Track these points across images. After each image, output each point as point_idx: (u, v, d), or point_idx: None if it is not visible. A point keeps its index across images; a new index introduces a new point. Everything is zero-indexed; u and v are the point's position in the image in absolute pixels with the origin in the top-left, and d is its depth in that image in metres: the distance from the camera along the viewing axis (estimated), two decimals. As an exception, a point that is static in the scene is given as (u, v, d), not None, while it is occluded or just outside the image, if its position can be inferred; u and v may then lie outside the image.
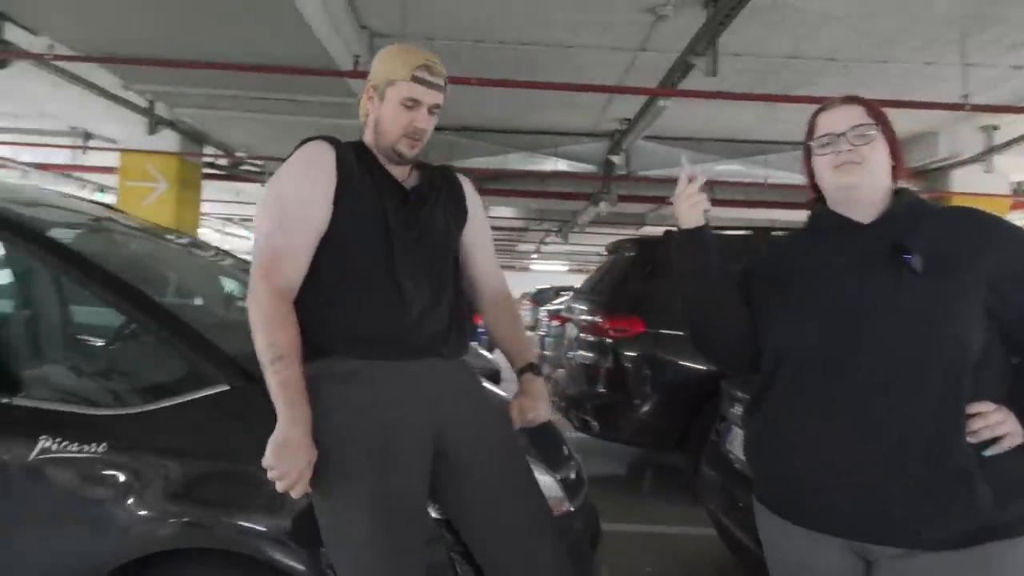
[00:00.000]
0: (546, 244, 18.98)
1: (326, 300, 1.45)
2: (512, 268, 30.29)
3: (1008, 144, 6.60)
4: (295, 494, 1.34)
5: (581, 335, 5.19)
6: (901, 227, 1.25)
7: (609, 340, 4.69)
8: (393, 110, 1.46)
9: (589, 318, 5.05)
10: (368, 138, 1.53)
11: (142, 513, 1.54)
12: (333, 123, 5.82)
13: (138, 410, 1.63)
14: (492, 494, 1.49)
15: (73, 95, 6.24)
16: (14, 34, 4.54)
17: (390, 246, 1.45)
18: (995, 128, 6.90)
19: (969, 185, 7.55)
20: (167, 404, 1.63)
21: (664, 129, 7.80)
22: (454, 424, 1.48)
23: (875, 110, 1.29)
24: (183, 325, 1.73)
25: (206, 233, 19.19)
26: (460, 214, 1.64)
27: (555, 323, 7.02)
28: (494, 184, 8.71)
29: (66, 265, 1.78)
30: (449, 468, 1.48)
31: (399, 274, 1.45)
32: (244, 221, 16.87)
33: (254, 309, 1.37)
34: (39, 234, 1.81)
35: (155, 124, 6.99)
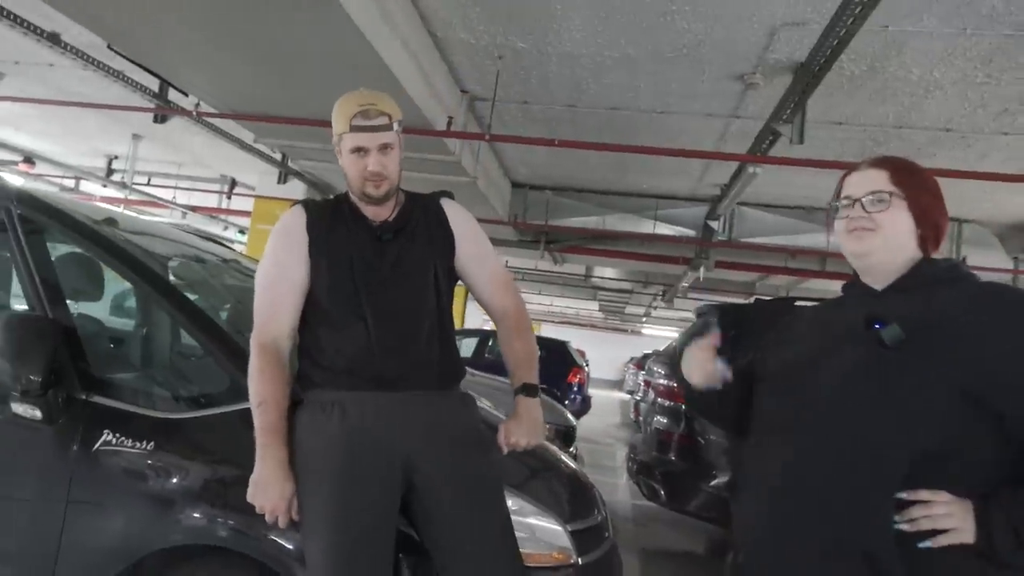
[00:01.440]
0: (655, 308, 18.65)
1: (313, 340, 1.62)
2: (624, 331, 29.98)
3: None
4: (280, 524, 1.50)
5: (658, 400, 5.09)
6: (911, 297, 1.18)
7: (683, 407, 4.58)
8: (348, 160, 1.57)
9: (665, 382, 4.95)
10: (348, 187, 1.66)
11: (176, 507, 1.73)
12: (439, 179, 6.24)
13: (184, 416, 1.85)
14: (455, 524, 1.54)
15: (222, 148, 7.13)
16: (173, 95, 5.35)
17: (355, 287, 1.57)
18: None
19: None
20: (208, 413, 1.84)
21: (775, 197, 7.62)
22: (424, 454, 1.54)
23: (904, 175, 1.22)
24: (230, 342, 1.95)
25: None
26: (444, 240, 1.68)
27: (647, 388, 6.91)
28: (594, 244, 8.82)
29: (133, 275, 2.03)
30: (418, 496, 1.56)
31: (364, 314, 1.56)
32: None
33: (250, 364, 1.58)
34: (129, 256, 2.11)
35: (285, 174, 7.78)
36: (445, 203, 1.73)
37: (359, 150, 1.55)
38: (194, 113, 5.09)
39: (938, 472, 1.07)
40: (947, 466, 1.07)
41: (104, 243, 2.05)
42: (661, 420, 4.83)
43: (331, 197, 1.73)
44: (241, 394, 1.80)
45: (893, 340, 1.11)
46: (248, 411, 1.78)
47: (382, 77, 4.01)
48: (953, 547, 1.03)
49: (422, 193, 1.75)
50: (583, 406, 11.21)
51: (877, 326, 1.13)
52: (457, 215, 1.73)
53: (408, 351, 1.58)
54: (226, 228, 11.39)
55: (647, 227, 8.14)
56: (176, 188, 10.41)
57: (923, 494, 1.05)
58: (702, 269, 7.93)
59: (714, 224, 7.28)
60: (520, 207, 8.04)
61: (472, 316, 18.59)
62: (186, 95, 5.12)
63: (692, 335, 5.22)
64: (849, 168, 1.31)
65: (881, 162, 1.26)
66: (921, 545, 1.04)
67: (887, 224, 1.21)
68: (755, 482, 1.24)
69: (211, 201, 10.62)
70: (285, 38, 3.74)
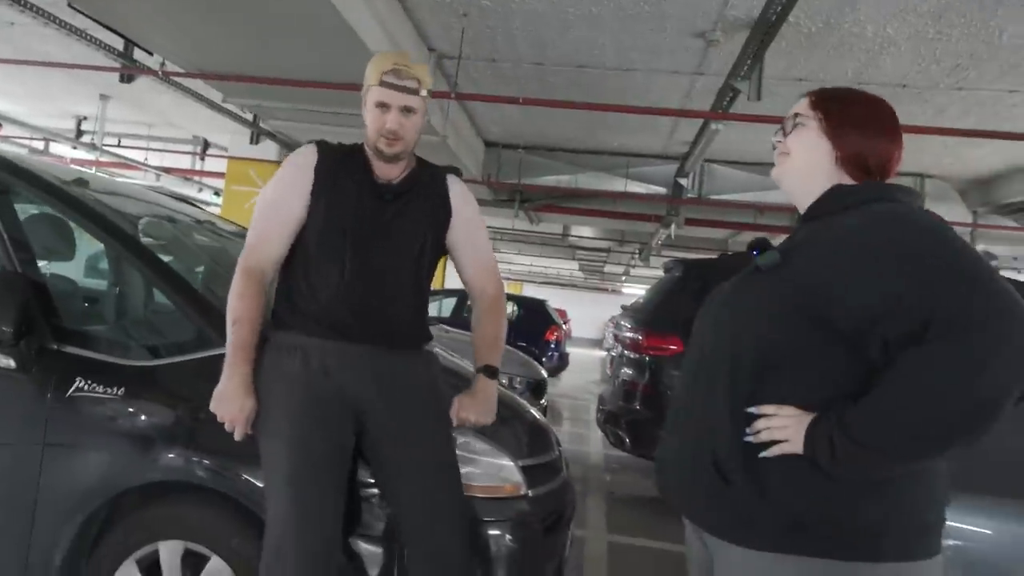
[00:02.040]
0: (633, 267, 18.84)
1: (291, 281, 1.70)
2: (604, 290, 30.24)
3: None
4: (236, 436, 1.62)
5: (625, 352, 5.27)
6: (816, 224, 1.16)
7: (647, 357, 4.76)
8: (370, 113, 1.62)
9: (631, 335, 5.12)
10: (365, 138, 1.69)
11: (147, 448, 1.84)
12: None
13: (153, 363, 1.96)
14: (399, 464, 1.66)
15: (192, 108, 7.06)
16: (140, 55, 5.30)
17: (344, 240, 1.63)
18: (1107, 163, 6.35)
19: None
20: (175, 360, 1.96)
21: (743, 154, 7.72)
22: (376, 403, 1.65)
23: (825, 101, 1.19)
24: (196, 296, 2.05)
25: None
26: (441, 213, 1.74)
27: (615, 341, 7.11)
28: (566, 203, 8.90)
29: (101, 233, 2.10)
30: (369, 442, 1.67)
31: (346, 267, 1.63)
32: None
33: (233, 282, 1.66)
34: (98, 215, 2.17)
35: (257, 135, 7.74)
36: (451, 179, 1.79)
37: (382, 105, 1.59)
38: (160, 73, 5.06)
39: (787, 387, 1.09)
40: (796, 382, 1.08)
41: (72, 202, 2.12)
42: (627, 371, 5.01)
43: (346, 144, 1.76)
44: (206, 343, 1.93)
45: (766, 264, 1.12)
46: (213, 358, 1.91)
47: (344, 35, 4.04)
48: (788, 457, 1.06)
49: (434, 164, 1.80)
50: (560, 363, 11.45)
51: (755, 252, 1.17)
52: (459, 193, 1.78)
53: (378, 308, 1.66)
54: (200, 190, 11.31)
55: (619, 185, 8.23)
56: (148, 149, 10.28)
57: (767, 409, 1.08)
58: (673, 226, 8.07)
59: (683, 181, 7.39)
60: (493, 166, 8.08)
61: (452, 277, 18.65)
62: (151, 54, 5.08)
63: (659, 290, 5.41)
64: None
65: (813, 91, 1.24)
66: (760, 456, 1.07)
67: (795, 147, 1.19)
68: (672, 410, 1.29)
69: (184, 163, 10.51)
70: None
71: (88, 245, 2.47)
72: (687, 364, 1.25)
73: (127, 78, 5.74)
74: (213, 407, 1.61)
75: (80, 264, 2.55)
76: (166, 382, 1.90)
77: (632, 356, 5.01)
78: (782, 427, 1.07)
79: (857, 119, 1.18)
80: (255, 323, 1.64)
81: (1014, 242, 8.66)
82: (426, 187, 1.73)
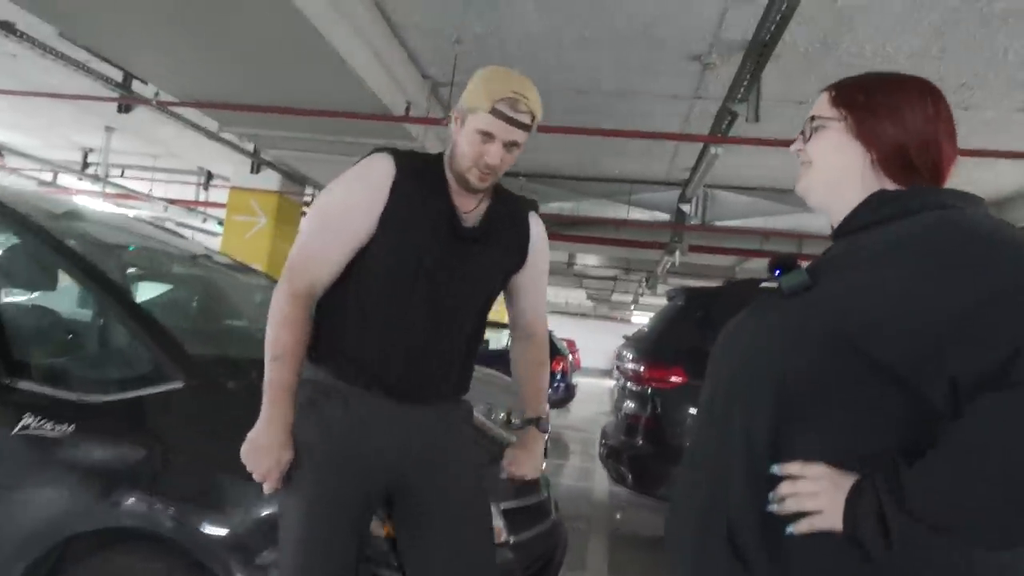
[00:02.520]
0: (642, 295, 18.71)
1: (340, 313, 1.45)
2: (614, 319, 30.03)
3: None
4: (266, 489, 1.40)
5: (627, 384, 5.12)
6: (853, 240, 0.95)
7: (649, 390, 4.59)
8: (468, 138, 1.40)
9: (632, 366, 4.97)
10: (447, 158, 1.49)
11: (98, 491, 1.72)
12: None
13: (107, 399, 1.85)
14: (444, 542, 1.49)
15: (193, 138, 7.08)
16: (138, 86, 5.32)
17: (415, 283, 1.42)
18: (1123, 184, 6.17)
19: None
20: (128, 396, 1.84)
21: (748, 179, 7.62)
22: (417, 469, 1.47)
23: (849, 93, 0.98)
24: (152, 323, 1.95)
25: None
26: (518, 257, 1.58)
27: (618, 374, 6.96)
28: (569, 230, 8.82)
29: (64, 262, 2.05)
30: (402, 504, 1.50)
31: (415, 314, 1.42)
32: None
33: (272, 306, 1.41)
34: (56, 245, 2.10)
35: (257, 164, 7.74)
36: (532, 219, 1.62)
37: (487, 135, 1.39)
38: (153, 102, 5.06)
39: (818, 438, 0.85)
40: (829, 430, 0.85)
41: (28, 228, 2.05)
42: (629, 405, 4.85)
43: (424, 155, 1.53)
44: (165, 377, 1.82)
45: (791, 286, 0.90)
46: (168, 394, 1.80)
47: (333, 64, 4.00)
48: (824, 536, 0.81)
49: (511, 193, 1.62)
50: (566, 394, 11.27)
51: (777, 272, 0.95)
52: (539, 236, 1.62)
53: (438, 365, 1.48)
54: (205, 220, 11.34)
55: (622, 212, 8.15)
56: (153, 180, 10.35)
57: (792, 467, 0.84)
58: (677, 253, 7.94)
59: (685, 207, 7.29)
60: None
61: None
62: (145, 83, 5.09)
63: (662, 320, 5.27)
64: None
65: (832, 84, 1.02)
66: (789, 530, 0.83)
67: (818, 155, 1.00)
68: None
69: (189, 193, 10.56)
70: (236, 25, 3.72)
71: (50, 274, 2.40)
72: (702, 401, 1.03)
73: (124, 108, 5.76)
74: (245, 456, 1.37)
75: (39, 293, 2.47)
76: (120, 419, 1.79)
77: (634, 388, 4.85)
78: (812, 493, 0.82)
79: (891, 106, 0.95)
80: (300, 359, 1.39)
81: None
82: (506, 226, 1.55)
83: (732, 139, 4.75)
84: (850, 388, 0.83)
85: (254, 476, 1.38)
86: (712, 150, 4.83)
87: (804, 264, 0.96)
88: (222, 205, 9.40)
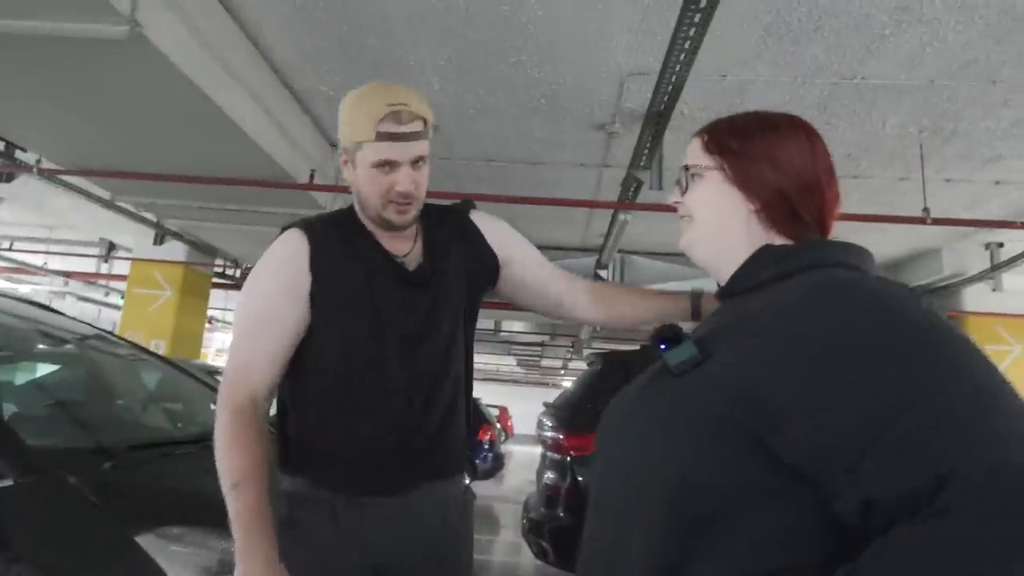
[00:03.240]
0: (571, 361, 18.75)
1: (304, 412, 1.30)
2: (546, 385, 29.98)
3: (1010, 262, 6.29)
4: None
5: (547, 453, 4.96)
6: (739, 302, 0.85)
7: (568, 458, 4.45)
8: (368, 176, 1.25)
9: (551, 434, 4.83)
10: (357, 209, 1.34)
11: None
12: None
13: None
14: None
15: (91, 209, 6.68)
16: (23, 154, 4.98)
17: (381, 351, 1.26)
18: (1000, 245, 6.63)
19: (982, 304, 7.20)
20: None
21: (657, 244, 7.79)
22: (413, 567, 1.31)
23: (723, 137, 0.90)
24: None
25: (217, 338, 19.76)
26: (486, 260, 1.41)
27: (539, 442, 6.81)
28: (493, 297, 8.73)
29: None
30: None
31: (393, 388, 1.26)
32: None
33: (216, 430, 1.23)
34: None
35: (161, 235, 7.37)
36: (477, 217, 1.43)
37: (386, 164, 1.23)
38: (35, 170, 4.73)
39: (729, 549, 0.70)
40: (742, 542, 0.70)
41: None
42: (549, 475, 4.69)
43: (333, 215, 1.36)
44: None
45: (679, 364, 0.78)
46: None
47: (228, 129, 3.84)
48: None
49: (438, 207, 1.43)
50: (495, 464, 10.95)
51: (663, 346, 0.81)
52: (493, 227, 1.43)
53: (435, 438, 1.30)
54: (107, 294, 10.68)
55: (542, 278, 8.14)
56: (48, 253, 9.71)
57: None
58: (598, 318, 7.96)
59: (603, 273, 7.36)
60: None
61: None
62: (24, 150, 4.77)
63: (581, 385, 5.17)
64: None
65: (704, 128, 0.94)
66: None
67: (696, 207, 0.91)
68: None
69: (90, 266, 9.95)
70: (114, 87, 3.51)
71: None
72: (595, 487, 0.91)
73: (7, 177, 5.37)
74: None
75: None
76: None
77: (554, 457, 4.70)
78: None
79: (768, 148, 0.86)
80: (261, 481, 1.20)
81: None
82: (455, 245, 1.37)
83: (637, 205, 4.83)
84: (761, 489, 0.69)
85: None
86: (621, 216, 4.88)
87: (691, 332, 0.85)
88: (125, 278, 8.90)
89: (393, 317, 1.26)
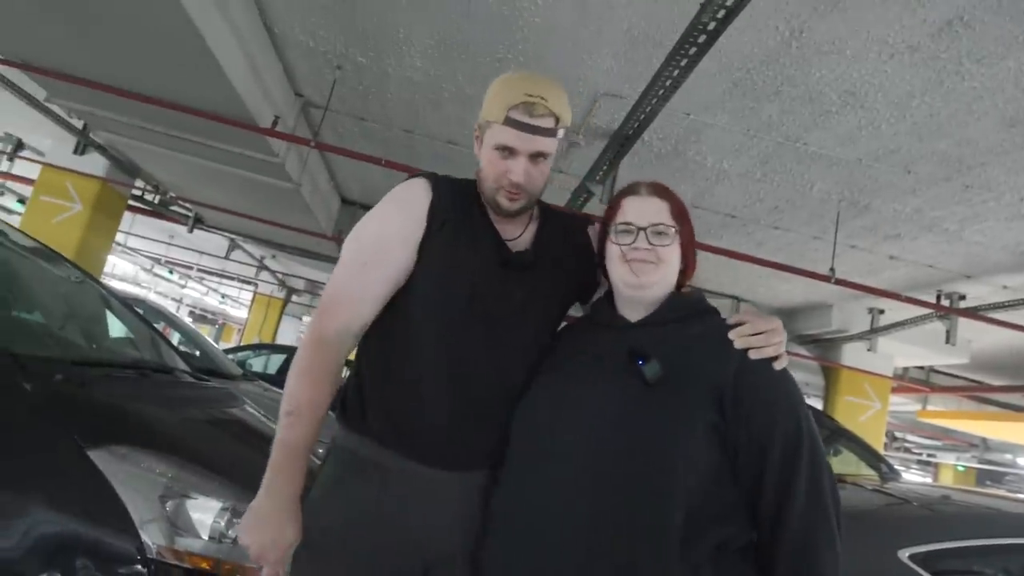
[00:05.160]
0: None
1: (378, 368, 1.26)
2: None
3: (886, 328, 7.07)
4: (264, 575, 1.17)
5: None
6: (664, 330, 1.18)
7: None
8: (488, 156, 1.25)
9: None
10: (479, 182, 1.32)
11: None
12: (257, 179, 5.90)
13: None
14: None
15: (7, 100, 6.19)
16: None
17: (468, 320, 1.23)
18: (881, 312, 7.42)
19: (856, 361, 8.02)
20: None
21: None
22: (456, 557, 1.23)
23: (679, 209, 1.22)
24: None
25: (124, 266, 18.55)
26: (583, 277, 1.37)
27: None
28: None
29: None
30: None
31: (468, 362, 1.22)
32: (172, 264, 16.42)
33: (297, 352, 1.22)
34: None
35: (84, 145, 6.93)
36: (592, 232, 1.41)
37: (506, 149, 1.22)
38: (-32, 52, 4.38)
39: (707, 531, 1.03)
40: (713, 521, 1.05)
41: None
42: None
43: (459, 180, 1.35)
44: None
45: (654, 377, 1.08)
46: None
47: (203, 58, 3.76)
48: None
49: (563, 211, 1.45)
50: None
51: (640, 362, 1.10)
52: None
53: (493, 418, 1.24)
54: (2, 194, 9.85)
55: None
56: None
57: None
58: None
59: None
60: (347, 223, 7.84)
61: (285, 333, 17.64)
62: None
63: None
64: (625, 189, 1.26)
65: (661, 191, 1.23)
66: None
67: (668, 259, 1.20)
68: (506, 527, 1.14)
69: (-12, 161, 9.14)
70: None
71: None
72: (546, 482, 1.11)
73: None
74: (242, 529, 1.17)
75: None
76: None
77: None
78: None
79: (691, 228, 1.27)
80: (316, 420, 1.19)
81: (805, 369, 9.79)
82: (562, 246, 1.35)
83: (584, 214, 5.09)
84: (724, 482, 1.07)
85: (250, 555, 1.16)
86: (565, 222, 5.11)
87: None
88: (29, 180, 8.27)
89: (485, 295, 1.25)
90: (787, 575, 1.02)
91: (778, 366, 1.11)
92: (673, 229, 1.20)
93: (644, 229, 1.19)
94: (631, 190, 1.25)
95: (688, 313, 1.21)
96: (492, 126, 1.25)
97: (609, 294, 1.29)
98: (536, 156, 1.24)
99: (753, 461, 1.06)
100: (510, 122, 1.22)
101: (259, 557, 1.16)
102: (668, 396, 1.08)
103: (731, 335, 1.12)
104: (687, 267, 1.24)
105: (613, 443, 1.08)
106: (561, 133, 1.26)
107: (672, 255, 1.21)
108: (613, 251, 1.22)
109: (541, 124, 1.22)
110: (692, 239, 1.25)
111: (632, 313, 1.23)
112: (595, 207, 4.78)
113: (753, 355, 1.09)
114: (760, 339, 1.11)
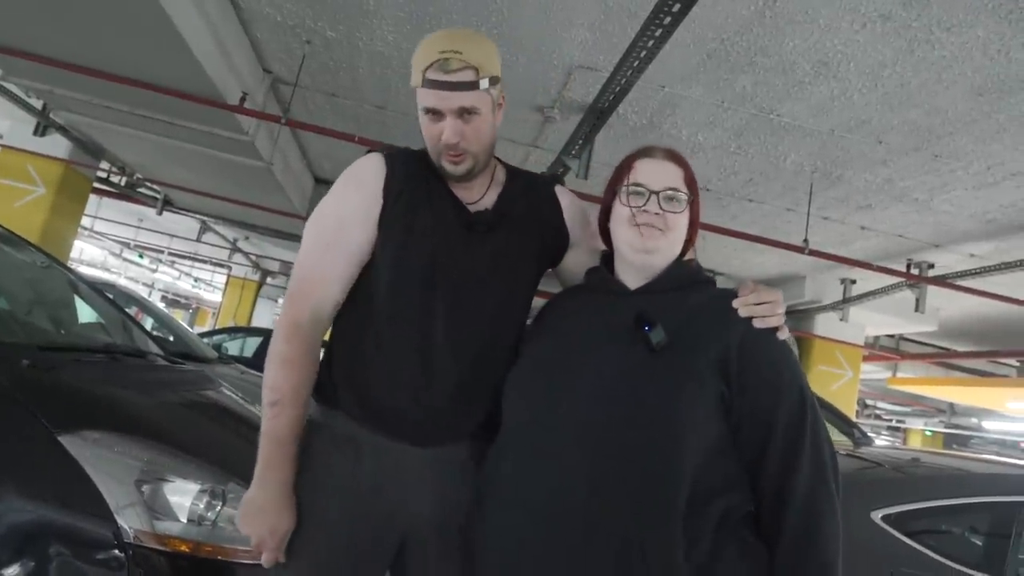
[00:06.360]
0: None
1: (346, 342, 1.27)
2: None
3: (858, 298, 7.20)
4: (265, 561, 1.20)
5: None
6: (665, 298, 1.15)
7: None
8: (423, 122, 1.24)
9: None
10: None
11: None
12: (229, 158, 5.77)
13: None
14: None
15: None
16: None
17: (427, 291, 1.22)
18: (852, 282, 7.55)
19: (829, 331, 8.16)
20: None
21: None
22: (430, 522, 1.24)
23: (691, 177, 1.20)
24: None
25: (92, 251, 18.15)
26: (550, 239, 1.34)
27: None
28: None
29: None
30: (409, 555, 1.27)
31: (434, 332, 1.21)
32: (142, 248, 16.10)
33: (272, 342, 1.23)
34: None
35: (44, 126, 6.71)
36: (559, 191, 1.39)
37: (432, 112, 1.20)
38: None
39: (711, 502, 1.03)
40: (716, 491, 1.04)
41: None
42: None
43: (416, 151, 1.33)
44: None
45: (660, 343, 1.06)
46: None
47: (165, 34, 3.64)
48: None
49: (529, 173, 1.42)
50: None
51: (647, 328, 1.08)
52: (572, 204, 1.39)
53: (471, 394, 1.23)
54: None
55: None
56: None
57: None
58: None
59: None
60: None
61: (261, 316, 17.45)
62: (-92, 5, 4.21)
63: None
64: (638, 151, 1.22)
65: (676, 157, 1.21)
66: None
67: (677, 227, 1.18)
68: (505, 498, 1.11)
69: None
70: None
71: None
72: (547, 450, 1.08)
73: None
74: (240, 520, 1.20)
75: None
76: None
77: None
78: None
79: (699, 203, 1.24)
80: (301, 408, 1.21)
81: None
82: (527, 206, 1.32)
83: (552, 174, 5.05)
84: (728, 451, 1.08)
85: (251, 544, 1.20)
86: (542, 198, 5.09)
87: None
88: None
89: (446, 263, 1.23)
90: (792, 544, 1.02)
91: (780, 336, 1.11)
92: (686, 197, 1.18)
93: (657, 193, 1.16)
94: (645, 152, 1.22)
95: (688, 282, 1.20)
96: (418, 92, 1.23)
97: (607, 259, 1.26)
98: (463, 112, 1.20)
99: (757, 431, 1.05)
100: (427, 83, 1.19)
101: (260, 545, 1.20)
102: (674, 362, 1.06)
103: (735, 303, 1.11)
104: (689, 239, 1.22)
105: (615, 411, 1.05)
106: (486, 83, 1.20)
107: (681, 223, 1.19)
108: (621, 213, 1.18)
109: (459, 79, 1.17)
110: (698, 211, 1.23)
111: (632, 280, 1.20)
112: (572, 182, 4.76)
113: (757, 324, 1.09)
114: (764, 308, 1.10)
